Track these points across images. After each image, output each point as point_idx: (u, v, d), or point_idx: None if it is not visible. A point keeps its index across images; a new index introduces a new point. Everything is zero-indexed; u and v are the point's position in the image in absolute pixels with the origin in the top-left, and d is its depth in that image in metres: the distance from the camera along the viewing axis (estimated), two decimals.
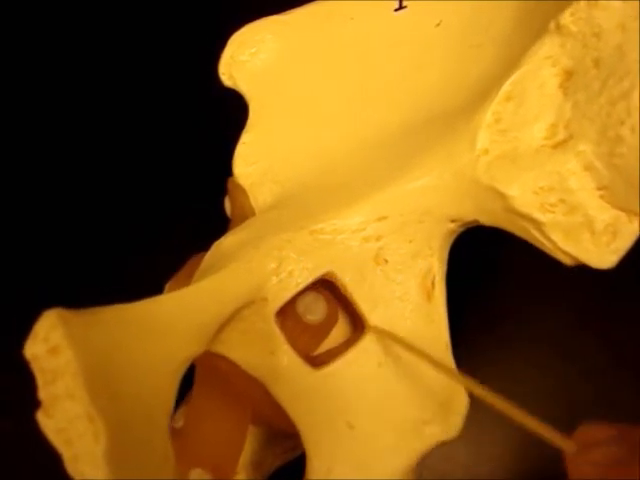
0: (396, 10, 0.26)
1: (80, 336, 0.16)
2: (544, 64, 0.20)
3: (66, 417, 0.15)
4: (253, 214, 0.25)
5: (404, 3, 0.26)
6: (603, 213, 0.19)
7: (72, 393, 0.15)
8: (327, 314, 0.22)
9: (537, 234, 0.20)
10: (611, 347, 0.30)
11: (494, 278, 0.31)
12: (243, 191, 0.25)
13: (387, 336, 0.21)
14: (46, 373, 0.15)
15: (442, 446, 0.22)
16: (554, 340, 0.30)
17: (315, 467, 0.21)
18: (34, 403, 0.16)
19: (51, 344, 0.15)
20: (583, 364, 0.30)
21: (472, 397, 0.22)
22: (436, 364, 0.20)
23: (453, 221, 0.22)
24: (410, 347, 0.20)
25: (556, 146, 0.20)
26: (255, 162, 0.25)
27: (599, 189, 0.19)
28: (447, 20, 0.25)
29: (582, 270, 0.20)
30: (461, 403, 0.21)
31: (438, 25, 0.25)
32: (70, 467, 0.15)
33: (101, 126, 0.34)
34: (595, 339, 0.30)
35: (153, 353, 0.18)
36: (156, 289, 0.26)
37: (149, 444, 0.17)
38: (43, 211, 0.33)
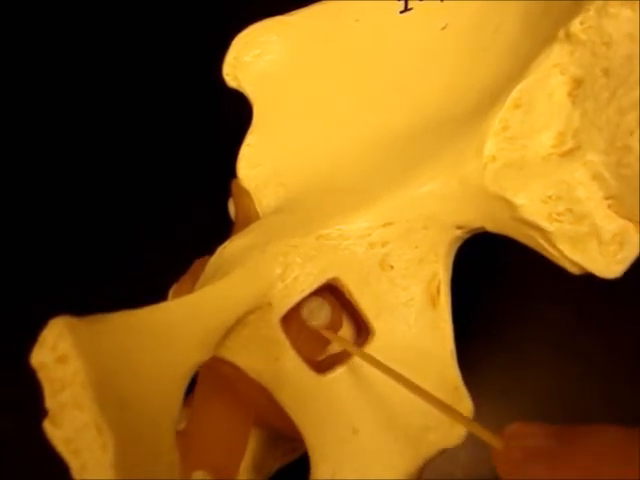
0: (402, 12, 0.26)
1: (88, 345, 0.16)
2: (553, 72, 0.20)
3: (74, 427, 0.15)
4: (257, 217, 0.24)
5: (410, 5, 0.26)
6: (610, 223, 0.19)
7: (80, 403, 0.15)
8: (332, 320, 0.22)
9: (544, 243, 0.20)
10: (614, 348, 0.30)
11: (495, 280, 0.31)
12: (247, 194, 0.25)
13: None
14: (54, 382, 0.15)
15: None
16: (556, 341, 0.30)
17: (320, 472, 0.21)
18: (34, 403, 0.15)
19: (59, 353, 0.15)
20: (585, 365, 0.30)
21: (475, 401, 0.22)
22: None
23: (459, 228, 0.22)
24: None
25: (564, 155, 0.20)
26: (260, 164, 0.25)
27: (607, 199, 0.19)
28: (453, 23, 0.25)
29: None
30: (465, 410, 0.21)
31: (444, 28, 0.25)
32: (78, 477, 0.15)
33: (103, 127, 0.34)
34: (597, 340, 0.30)
35: (160, 360, 0.18)
36: (158, 291, 0.26)
37: (156, 452, 0.17)
38: (44, 213, 0.33)
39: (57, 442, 0.15)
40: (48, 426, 0.15)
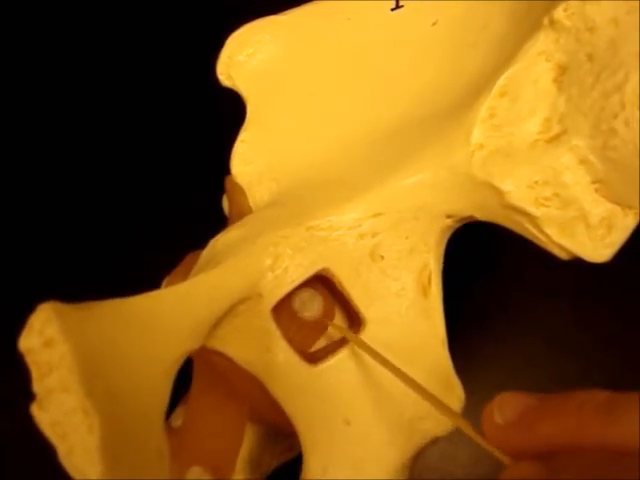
0: (393, 9, 0.26)
1: (75, 330, 0.16)
2: (538, 59, 0.20)
3: (61, 410, 0.15)
4: (251, 212, 0.25)
5: (401, 2, 0.26)
6: (598, 207, 0.19)
7: (67, 386, 0.15)
8: (323, 310, 0.22)
9: (532, 228, 0.20)
10: (608, 341, 0.30)
11: (490, 273, 0.31)
12: (241, 189, 0.25)
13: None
14: (41, 366, 0.15)
15: (442, 446, 0.22)
16: (550, 335, 0.30)
17: (312, 466, 0.21)
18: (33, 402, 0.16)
19: (46, 337, 0.16)
20: (580, 359, 0.30)
21: (470, 395, 0.22)
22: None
23: (449, 217, 0.22)
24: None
25: (550, 140, 0.20)
26: (253, 161, 0.25)
27: (594, 183, 0.19)
28: (443, 19, 0.25)
29: (578, 265, 0.20)
30: (456, 399, 0.21)
31: (434, 24, 0.25)
32: (65, 461, 0.15)
33: (100, 126, 0.35)
34: (591, 334, 0.30)
35: (148, 348, 0.18)
36: (155, 288, 0.26)
37: (143, 439, 0.17)
38: (43, 209, 0.33)
39: (44, 426, 0.15)
40: (35, 410, 0.15)
